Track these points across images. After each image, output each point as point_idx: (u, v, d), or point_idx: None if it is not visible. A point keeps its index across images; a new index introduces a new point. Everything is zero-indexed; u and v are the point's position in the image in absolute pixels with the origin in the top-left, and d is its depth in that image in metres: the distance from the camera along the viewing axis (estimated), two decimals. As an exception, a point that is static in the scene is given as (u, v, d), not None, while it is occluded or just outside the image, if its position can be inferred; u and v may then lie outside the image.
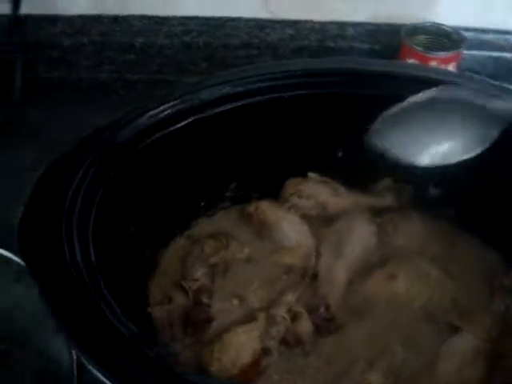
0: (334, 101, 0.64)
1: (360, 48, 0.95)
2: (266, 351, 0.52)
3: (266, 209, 0.64)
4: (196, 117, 0.60)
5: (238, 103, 0.62)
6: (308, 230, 0.64)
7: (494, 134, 0.51)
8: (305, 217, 0.65)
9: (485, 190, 0.63)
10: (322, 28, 0.95)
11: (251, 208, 0.64)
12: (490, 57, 0.97)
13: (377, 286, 0.59)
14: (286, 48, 0.95)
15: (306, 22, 0.95)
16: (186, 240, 0.64)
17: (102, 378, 0.38)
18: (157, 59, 0.96)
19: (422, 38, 0.90)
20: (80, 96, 0.96)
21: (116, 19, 0.95)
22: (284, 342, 0.53)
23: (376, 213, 0.66)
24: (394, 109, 0.54)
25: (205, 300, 0.56)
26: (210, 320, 0.55)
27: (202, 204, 0.66)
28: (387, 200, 0.66)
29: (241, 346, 0.52)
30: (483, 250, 0.64)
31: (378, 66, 0.66)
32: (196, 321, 0.54)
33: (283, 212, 0.64)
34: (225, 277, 0.60)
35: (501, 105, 0.52)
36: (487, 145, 0.51)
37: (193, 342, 0.54)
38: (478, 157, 0.56)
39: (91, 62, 0.97)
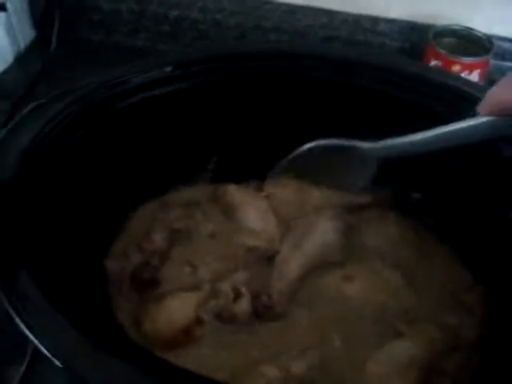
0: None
1: (390, 45, 0.94)
2: (199, 321, 0.52)
3: (234, 192, 0.65)
4: (180, 85, 0.61)
5: (224, 74, 0.63)
6: (273, 217, 0.63)
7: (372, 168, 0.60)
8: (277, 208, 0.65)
9: (468, 206, 0.62)
10: (355, 20, 0.94)
11: (220, 190, 0.65)
12: (525, 70, 0.93)
13: (331, 285, 0.58)
14: (315, 36, 0.95)
15: (339, 12, 0.94)
16: (158, 204, 0.65)
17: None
18: (189, 32, 0.98)
19: (450, 40, 0.88)
20: (114, 60, 1.00)
21: (155, -10, 0.97)
22: (219, 316, 0.54)
23: (353, 211, 0.65)
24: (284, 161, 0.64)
25: (154, 262, 0.57)
26: (154, 281, 0.56)
27: (181, 173, 0.67)
28: (364, 198, 0.65)
29: (176, 309, 0.53)
30: (455, 264, 0.62)
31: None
32: (140, 279, 0.56)
33: (251, 197, 0.65)
34: (184, 245, 0.60)
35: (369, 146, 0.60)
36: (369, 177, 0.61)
37: (137, 300, 0.56)
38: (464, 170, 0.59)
39: (128, 28, 1.00)
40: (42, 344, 0.37)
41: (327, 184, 0.64)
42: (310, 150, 0.62)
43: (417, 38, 0.93)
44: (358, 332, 0.54)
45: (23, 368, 0.56)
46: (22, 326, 0.38)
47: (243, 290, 0.55)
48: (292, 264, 0.58)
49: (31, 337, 0.38)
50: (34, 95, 0.92)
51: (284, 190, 0.65)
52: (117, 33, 1.01)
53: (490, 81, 0.90)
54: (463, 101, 0.59)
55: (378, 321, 0.55)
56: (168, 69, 0.62)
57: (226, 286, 0.55)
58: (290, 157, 0.63)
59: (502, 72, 0.92)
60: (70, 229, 0.53)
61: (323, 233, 0.60)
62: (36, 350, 0.38)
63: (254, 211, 0.63)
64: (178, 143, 0.64)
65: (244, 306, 0.54)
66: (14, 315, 0.39)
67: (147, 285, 0.57)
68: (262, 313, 0.55)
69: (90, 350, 0.38)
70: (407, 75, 0.63)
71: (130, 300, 0.56)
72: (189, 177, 0.67)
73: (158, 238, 0.59)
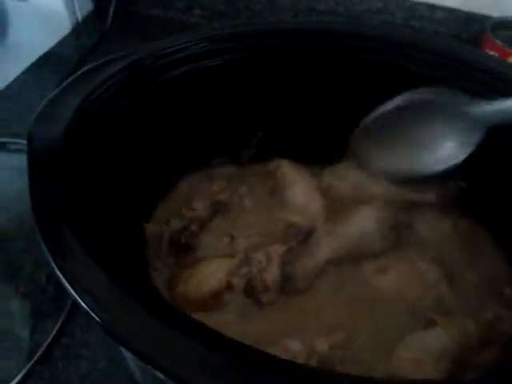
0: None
1: (446, 33, 0.93)
2: (229, 286, 0.53)
3: (286, 168, 0.65)
4: (231, 56, 0.61)
5: (274, 49, 0.63)
6: (321, 199, 0.63)
7: (476, 139, 0.50)
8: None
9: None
10: (411, 7, 0.93)
11: (273, 165, 0.65)
12: None
13: (364, 273, 0.57)
14: (370, 20, 0.94)
15: (396, -3, 0.93)
16: (202, 175, 0.66)
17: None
18: (244, 11, 0.99)
19: (508, 32, 0.86)
20: (167, 35, 1.00)
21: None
22: (249, 287, 0.54)
23: (411, 207, 0.63)
24: (374, 115, 0.55)
25: (193, 228, 0.58)
26: (191, 247, 0.57)
27: (226, 146, 0.67)
28: (426, 196, 0.63)
29: (208, 274, 0.53)
30: (499, 261, 0.60)
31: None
32: (178, 244, 0.57)
33: (302, 176, 0.65)
34: (225, 217, 0.61)
35: (479, 109, 0.51)
36: (469, 151, 0.50)
37: (173, 264, 0.57)
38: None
39: (183, 4, 1.01)
40: (81, 299, 0.38)
41: (401, 165, 0.58)
42: (398, 107, 0.55)
43: (473, 28, 0.91)
44: (388, 319, 0.53)
45: (62, 319, 0.58)
46: (64, 281, 0.39)
47: (275, 257, 0.55)
48: (323, 245, 0.58)
49: (73, 292, 0.38)
50: (88, 64, 0.93)
51: (341, 182, 0.64)
52: (172, 8, 1.01)
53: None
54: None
55: (411, 312, 0.54)
56: (217, 41, 0.62)
57: (259, 255, 0.55)
58: (374, 115, 0.57)
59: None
60: (114, 191, 0.53)
61: (364, 221, 0.59)
62: (74, 304, 0.39)
63: (301, 188, 0.63)
64: (223, 116, 0.64)
65: (275, 272, 0.54)
66: (57, 270, 0.40)
67: (184, 250, 0.57)
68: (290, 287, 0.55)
69: (126, 307, 0.38)
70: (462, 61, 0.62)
71: (166, 264, 0.57)
72: (233, 151, 0.68)
73: (200, 207, 0.60)
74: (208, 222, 0.60)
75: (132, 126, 0.57)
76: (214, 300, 0.53)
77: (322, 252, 0.57)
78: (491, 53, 0.84)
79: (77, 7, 1.03)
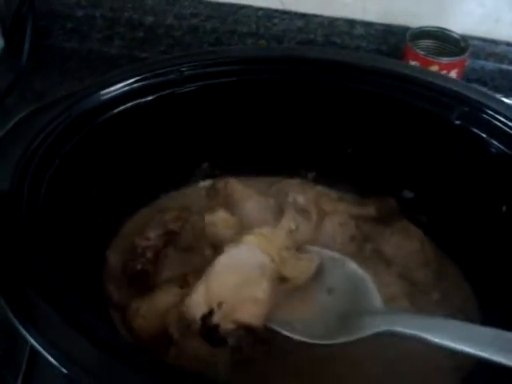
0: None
1: (366, 48, 0.95)
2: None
3: (234, 185, 0.65)
4: (169, 91, 0.61)
5: (215, 80, 0.63)
6: (270, 213, 0.64)
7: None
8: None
9: (460, 203, 0.63)
10: (331, 24, 0.95)
11: (220, 183, 0.66)
12: (499, 69, 0.95)
13: None
14: (291, 40, 0.95)
15: (315, 16, 0.95)
16: (151, 210, 0.64)
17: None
18: (164, 39, 0.98)
19: (427, 42, 0.89)
20: (88, 67, 0.98)
21: (129, -5, 0.96)
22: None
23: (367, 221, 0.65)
24: None
25: (148, 255, 0.57)
26: (147, 273, 0.57)
27: (173, 178, 0.66)
28: (370, 210, 0.65)
29: (165, 309, 0.53)
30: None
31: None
32: (134, 271, 0.57)
33: (251, 191, 0.65)
34: (178, 245, 0.60)
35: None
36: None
37: (131, 295, 0.56)
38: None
39: (102, 35, 0.99)
40: (45, 350, 0.37)
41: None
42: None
43: (393, 40, 0.94)
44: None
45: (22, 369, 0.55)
46: (25, 333, 0.38)
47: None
48: None
49: (33, 342, 0.38)
50: (6, 105, 0.90)
51: (286, 197, 0.65)
52: (90, 40, 0.99)
53: (466, 79, 0.92)
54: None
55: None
56: (157, 75, 0.62)
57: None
58: None
59: (477, 72, 0.94)
60: (66, 235, 0.52)
61: (326, 223, 0.62)
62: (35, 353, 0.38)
63: (253, 205, 0.64)
64: (167, 150, 0.64)
65: None
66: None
67: (140, 278, 0.57)
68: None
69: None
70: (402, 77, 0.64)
71: (125, 295, 0.56)
72: (181, 182, 0.67)
73: (154, 236, 0.59)
74: (162, 250, 0.59)
75: (77, 172, 0.56)
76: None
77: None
78: (413, 63, 0.87)
79: (-14, 45, 0.98)
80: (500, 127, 0.58)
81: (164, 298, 0.54)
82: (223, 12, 0.96)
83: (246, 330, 0.50)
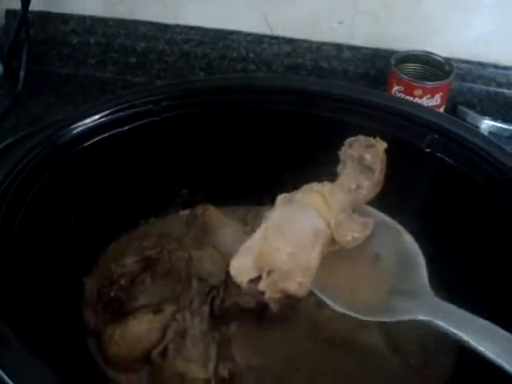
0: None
1: (354, 71, 0.96)
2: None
3: (212, 212, 0.66)
4: (146, 121, 0.63)
5: (191, 109, 0.65)
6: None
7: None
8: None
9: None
10: (319, 48, 0.96)
11: (199, 209, 0.67)
12: (487, 91, 0.96)
13: None
14: (279, 64, 0.97)
15: (303, 40, 0.96)
16: (131, 237, 0.66)
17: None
18: (157, 64, 1.00)
19: (412, 65, 0.90)
20: (82, 92, 1.01)
21: (122, 22, 0.98)
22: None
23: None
24: None
25: (123, 282, 0.59)
26: (121, 301, 0.58)
27: (153, 205, 0.68)
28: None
29: (141, 336, 0.55)
30: None
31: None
32: (106, 298, 0.58)
33: (228, 219, 0.66)
34: (155, 271, 0.61)
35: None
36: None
37: (106, 321, 0.57)
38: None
39: (96, 60, 1.01)
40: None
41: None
42: None
43: (380, 63, 0.95)
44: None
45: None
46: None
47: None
48: None
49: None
50: (3, 130, 0.92)
51: None
52: (85, 65, 1.02)
53: (453, 103, 0.92)
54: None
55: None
56: (133, 106, 0.64)
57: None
58: None
59: (464, 94, 0.95)
60: (42, 262, 0.54)
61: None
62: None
63: (231, 232, 0.65)
64: (145, 179, 0.66)
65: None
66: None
67: (115, 304, 0.58)
68: None
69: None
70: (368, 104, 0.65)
71: (100, 321, 0.58)
72: (160, 209, 0.69)
73: (129, 263, 0.60)
74: (138, 276, 0.61)
75: (53, 200, 0.58)
76: (145, 358, 0.54)
77: None
78: (397, 87, 0.88)
79: (-16, 71, 1.01)
80: (466, 154, 0.59)
81: (138, 324, 0.56)
82: (213, 37, 0.98)
83: (290, 297, 0.49)
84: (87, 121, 0.61)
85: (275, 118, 0.66)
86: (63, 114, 0.63)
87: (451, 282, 0.57)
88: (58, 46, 1.02)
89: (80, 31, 1.01)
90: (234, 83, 0.69)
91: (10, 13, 1.02)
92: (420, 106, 0.73)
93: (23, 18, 0.94)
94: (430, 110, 0.72)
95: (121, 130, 0.63)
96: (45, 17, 1.02)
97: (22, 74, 0.97)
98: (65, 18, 1.02)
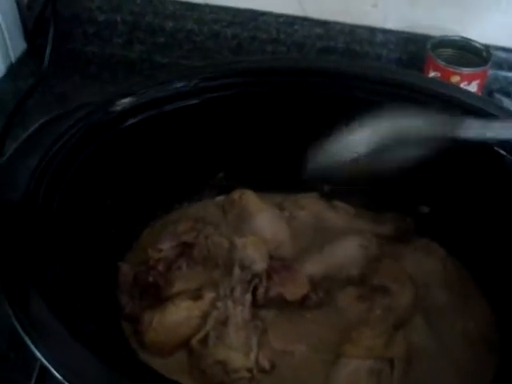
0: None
1: (387, 56, 0.94)
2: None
3: (250, 197, 0.66)
4: (184, 103, 0.61)
5: (234, 91, 0.63)
6: (286, 227, 0.64)
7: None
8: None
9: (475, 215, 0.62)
10: (352, 31, 0.94)
11: (236, 194, 0.66)
12: (522, 79, 0.93)
13: (344, 298, 0.59)
14: (311, 47, 0.95)
15: (336, 23, 0.94)
16: (165, 221, 0.65)
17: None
18: (185, 44, 0.98)
19: (448, 51, 0.88)
20: (108, 71, 0.99)
21: (150, 1, 0.96)
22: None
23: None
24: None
25: (160, 268, 0.58)
26: (158, 285, 0.57)
27: (188, 189, 0.67)
28: (387, 229, 0.65)
29: (180, 322, 0.54)
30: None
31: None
32: (146, 283, 0.57)
33: (265, 205, 0.65)
34: (192, 257, 0.60)
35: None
36: None
37: (143, 307, 0.56)
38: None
39: (123, 39, 0.99)
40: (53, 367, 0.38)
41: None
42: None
43: (414, 48, 0.93)
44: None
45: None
46: (33, 348, 0.39)
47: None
48: (308, 262, 0.60)
49: (43, 359, 0.38)
50: (27, 107, 0.90)
51: (302, 212, 0.66)
52: (111, 44, 1.00)
53: (488, 90, 0.90)
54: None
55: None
56: (176, 85, 0.62)
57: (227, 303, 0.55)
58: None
59: (499, 81, 0.93)
60: (80, 247, 0.53)
61: (348, 245, 0.62)
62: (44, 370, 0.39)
63: (266, 217, 0.64)
64: (182, 161, 0.65)
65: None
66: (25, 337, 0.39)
67: (152, 289, 0.57)
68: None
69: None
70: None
71: (137, 307, 0.57)
72: (195, 193, 0.67)
73: (166, 248, 0.59)
74: (174, 262, 0.60)
75: (90, 182, 0.57)
76: (183, 345, 0.54)
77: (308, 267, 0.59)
78: (434, 73, 0.86)
79: (10, 47, 0.99)
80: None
81: (176, 311, 0.55)
82: (244, 18, 0.95)
83: None
84: (124, 101, 0.59)
85: (315, 101, 0.64)
86: (100, 94, 0.61)
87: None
88: (83, 23, 1.00)
89: (106, 9, 0.98)
90: (271, 64, 0.67)
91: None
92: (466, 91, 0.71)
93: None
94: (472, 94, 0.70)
95: (157, 111, 0.61)
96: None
97: (48, 51, 0.95)
98: (90, -5, 0.99)
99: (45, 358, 0.39)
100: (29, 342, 0.39)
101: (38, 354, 0.39)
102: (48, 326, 0.41)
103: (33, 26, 1.00)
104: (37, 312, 0.41)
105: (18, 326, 0.40)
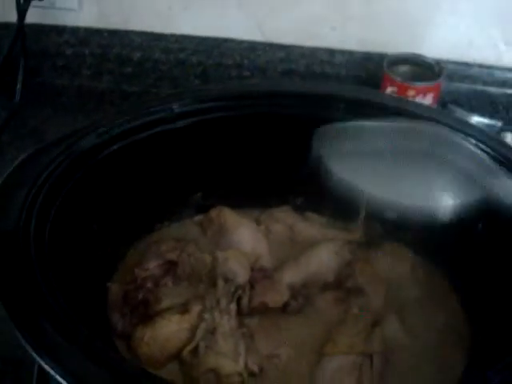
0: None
1: (347, 75, 0.99)
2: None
3: (227, 214, 0.69)
4: (162, 128, 0.64)
5: (205, 116, 0.66)
6: (264, 239, 0.68)
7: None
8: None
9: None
10: (312, 53, 0.99)
11: (214, 212, 0.69)
12: (473, 90, 0.99)
13: (322, 302, 0.63)
14: (274, 70, 0.99)
15: (296, 46, 0.99)
16: (147, 241, 0.68)
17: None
18: (152, 73, 1.01)
19: (403, 67, 0.93)
20: (79, 103, 1.02)
21: (116, 33, 1.00)
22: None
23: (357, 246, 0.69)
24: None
25: (149, 285, 0.61)
26: (147, 301, 0.60)
27: (167, 210, 0.69)
28: (357, 235, 0.69)
29: (171, 335, 0.56)
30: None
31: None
32: (133, 301, 0.60)
33: (243, 219, 0.69)
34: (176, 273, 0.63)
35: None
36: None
37: (133, 323, 0.59)
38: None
39: (91, 71, 1.02)
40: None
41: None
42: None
43: (372, 66, 0.98)
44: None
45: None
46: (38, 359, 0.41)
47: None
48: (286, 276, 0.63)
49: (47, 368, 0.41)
50: (1, 143, 0.92)
51: (277, 224, 0.70)
52: (80, 76, 1.03)
53: (443, 101, 0.96)
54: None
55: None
56: (149, 113, 0.65)
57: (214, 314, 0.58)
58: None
59: (453, 93, 0.98)
60: (71, 268, 0.55)
61: (323, 253, 0.65)
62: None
63: (245, 231, 0.67)
64: (162, 183, 0.67)
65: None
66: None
67: (142, 306, 0.60)
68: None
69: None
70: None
71: (128, 324, 0.59)
72: (174, 213, 0.70)
73: (152, 266, 0.63)
74: (161, 279, 0.62)
75: (78, 208, 0.59)
76: (175, 356, 0.56)
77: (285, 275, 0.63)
78: (391, 88, 0.91)
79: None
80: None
81: (167, 325, 0.57)
82: (208, 46, 1.00)
83: None
84: (106, 129, 0.62)
85: (286, 122, 0.68)
86: (73, 125, 0.64)
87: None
88: (52, 57, 1.03)
89: (74, 42, 1.02)
90: (243, 89, 0.70)
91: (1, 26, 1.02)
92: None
93: (19, 31, 0.95)
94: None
95: (136, 138, 0.64)
96: (38, 29, 1.02)
97: (18, 86, 0.98)
98: (59, 30, 1.02)
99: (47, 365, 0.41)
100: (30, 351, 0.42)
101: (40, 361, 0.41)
102: (49, 336, 0.43)
103: (1, 63, 1.02)
104: (43, 333, 0.44)
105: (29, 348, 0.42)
